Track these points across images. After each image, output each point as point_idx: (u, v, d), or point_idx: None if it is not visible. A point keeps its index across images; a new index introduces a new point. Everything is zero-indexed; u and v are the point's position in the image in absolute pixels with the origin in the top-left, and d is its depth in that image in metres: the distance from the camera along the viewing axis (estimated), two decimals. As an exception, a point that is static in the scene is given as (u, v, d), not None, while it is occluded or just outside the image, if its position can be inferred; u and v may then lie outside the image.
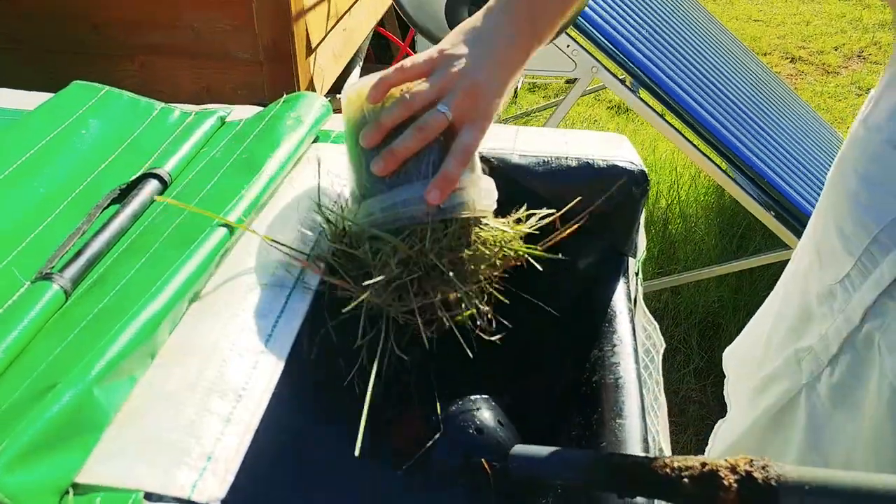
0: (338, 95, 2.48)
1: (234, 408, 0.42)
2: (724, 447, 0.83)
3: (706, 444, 1.79)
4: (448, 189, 0.53)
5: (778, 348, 0.72)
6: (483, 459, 0.56)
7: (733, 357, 0.89)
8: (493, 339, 0.56)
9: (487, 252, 0.57)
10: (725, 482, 0.36)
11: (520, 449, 0.54)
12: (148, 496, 0.36)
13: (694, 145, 1.66)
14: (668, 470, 0.39)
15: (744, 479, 0.36)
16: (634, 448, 0.52)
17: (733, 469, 0.35)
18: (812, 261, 0.68)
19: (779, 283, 0.80)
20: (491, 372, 0.69)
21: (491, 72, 0.55)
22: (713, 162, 1.67)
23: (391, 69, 0.55)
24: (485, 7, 0.57)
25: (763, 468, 0.34)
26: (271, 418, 0.45)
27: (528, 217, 0.60)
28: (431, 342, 0.55)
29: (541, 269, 0.59)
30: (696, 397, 1.92)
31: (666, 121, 1.65)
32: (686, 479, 0.37)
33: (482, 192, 0.57)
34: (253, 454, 0.41)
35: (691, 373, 1.94)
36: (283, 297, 0.50)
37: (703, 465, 0.37)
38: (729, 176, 1.67)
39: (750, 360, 0.80)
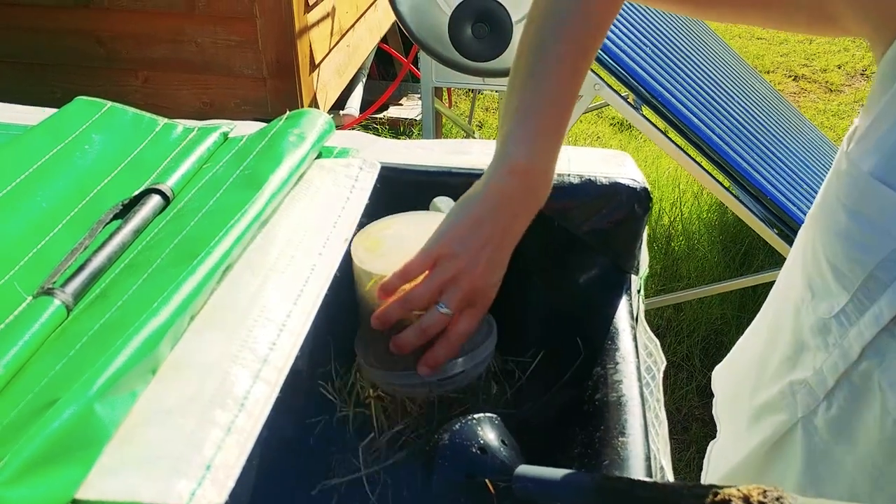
0: (341, 112, 2.49)
1: (236, 416, 0.42)
2: (719, 476, 0.82)
3: (709, 463, 1.77)
4: (434, 366, 0.58)
5: (772, 377, 0.71)
6: (486, 479, 0.55)
7: (723, 376, 0.88)
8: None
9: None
10: None
11: (524, 469, 0.54)
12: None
13: (696, 162, 1.67)
14: (676, 496, 0.39)
15: (757, 510, 0.35)
16: (637, 467, 0.51)
17: (746, 499, 0.35)
18: (803, 292, 0.67)
19: (767, 303, 0.79)
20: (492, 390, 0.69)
21: (491, 261, 0.57)
22: (716, 179, 1.67)
23: (395, 275, 0.57)
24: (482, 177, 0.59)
25: (777, 499, 0.34)
26: (273, 427, 0.45)
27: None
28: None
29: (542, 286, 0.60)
30: (698, 415, 1.91)
31: (668, 138, 1.65)
32: None
33: (479, 360, 0.62)
34: (255, 462, 0.41)
35: (694, 390, 1.93)
36: (287, 310, 0.50)
37: (715, 493, 0.37)
38: (732, 193, 1.67)
39: (742, 383, 0.80)
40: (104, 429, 0.39)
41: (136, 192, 0.61)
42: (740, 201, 1.65)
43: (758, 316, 0.81)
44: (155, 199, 0.61)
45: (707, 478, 0.87)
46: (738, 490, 0.35)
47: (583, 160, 0.71)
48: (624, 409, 0.55)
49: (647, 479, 0.48)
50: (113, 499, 0.36)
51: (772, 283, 0.79)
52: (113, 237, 0.56)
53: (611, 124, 3.29)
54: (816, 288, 0.64)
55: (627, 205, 0.66)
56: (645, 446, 0.52)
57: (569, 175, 0.67)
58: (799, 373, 0.66)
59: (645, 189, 0.67)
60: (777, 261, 1.87)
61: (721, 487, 0.37)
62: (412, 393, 0.62)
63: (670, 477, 0.57)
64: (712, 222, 2.53)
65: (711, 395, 2.00)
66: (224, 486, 0.38)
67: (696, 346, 2.05)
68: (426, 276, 0.57)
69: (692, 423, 1.88)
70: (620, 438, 0.53)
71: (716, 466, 0.85)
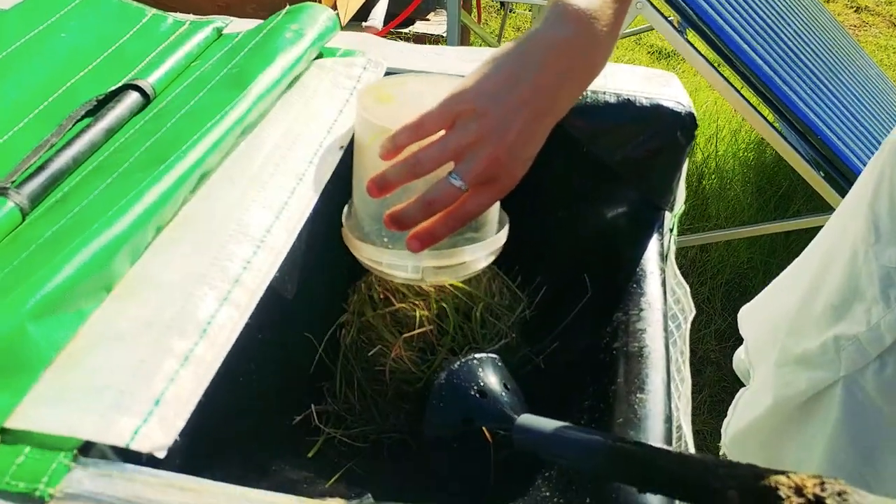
0: (363, 23, 2.36)
1: (196, 345, 0.36)
2: (742, 425, 0.77)
3: (719, 407, 1.73)
4: (428, 243, 0.46)
5: (814, 326, 0.64)
6: (484, 426, 0.50)
7: (754, 318, 0.81)
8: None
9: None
10: None
11: (527, 419, 0.48)
12: (83, 444, 0.31)
13: (741, 94, 1.54)
14: (709, 474, 0.32)
15: (813, 507, 0.28)
16: (655, 428, 0.46)
17: (798, 490, 0.27)
18: (866, 234, 0.59)
19: (814, 244, 0.71)
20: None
21: (526, 129, 0.45)
22: (760, 114, 1.55)
23: (405, 127, 0.46)
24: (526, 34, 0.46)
25: (840, 494, 0.26)
26: (238, 359, 0.39)
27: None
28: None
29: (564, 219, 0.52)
30: (714, 358, 1.86)
31: (713, 66, 1.52)
32: (733, 491, 0.30)
33: (486, 252, 0.51)
34: (212, 397, 0.36)
35: (712, 334, 1.87)
36: (266, 225, 0.44)
37: (757, 476, 0.30)
38: (776, 130, 1.55)
39: (777, 328, 0.73)
40: (41, 352, 0.34)
41: (113, 88, 0.54)
42: (785, 139, 1.53)
43: (798, 259, 0.74)
44: (133, 97, 0.54)
45: (729, 426, 0.82)
46: (789, 478, 0.28)
47: (622, 77, 0.62)
48: (645, 362, 0.49)
49: (672, 449, 0.41)
50: (45, 430, 0.31)
51: (808, 230, 0.72)
52: (81, 136, 0.49)
53: (649, 52, 3.11)
54: (884, 230, 0.56)
55: (669, 131, 0.58)
56: (666, 405, 0.46)
57: (604, 93, 0.59)
58: (847, 326, 0.59)
59: (691, 114, 0.59)
60: (818, 206, 1.76)
61: (765, 471, 0.30)
62: (400, 277, 0.52)
63: (689, 441, 0.52)
64: (749, 161, 2.41)
65: (729, 340, 1.94)
66: (173, 424, 0.32)
67: (718, 289, 1.97)
68: (442, 135, 0.45)
69: (707, 366, 1.83)
70: (638, 395, 0.47)
71: (740, 415, 0.80)
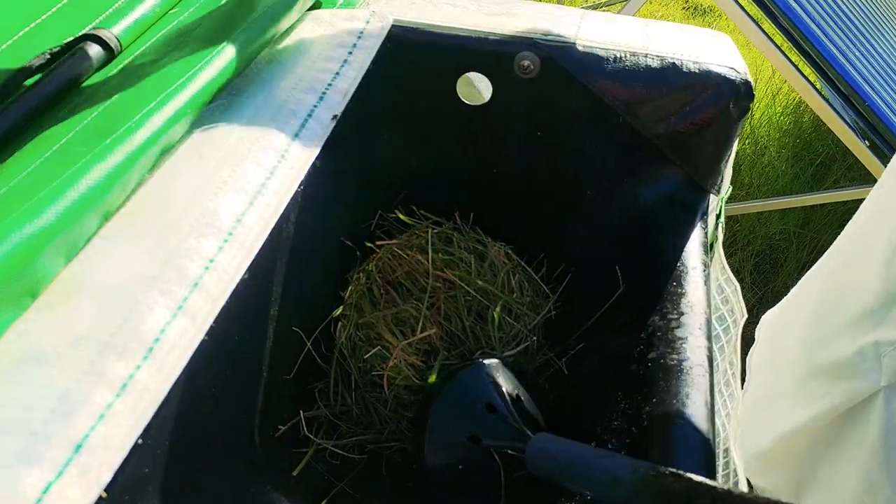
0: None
1: (137, 369, 0.29)
2: (765, 443, 0.69)
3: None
4: None
5: (848, 332, 0.56)
6: (492, 447, 0.43)
7: (774, 324, 0.73)
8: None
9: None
10: None
11: (543, 439, 0.41)
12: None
13: (783, 53, 1.42)
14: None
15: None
16: (694, 459, 0.38)
17: None
18: None
19: (844, 236, 0.63)
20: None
21: None
22: (802, 74, 1.43)
23: None
24: None
25: None
26: (207, 364, 0.32)
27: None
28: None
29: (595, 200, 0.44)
30: (743, 335, 1.78)
31: (754, 21, 1.40)
32: None
33: None
34: (161, 437, 0.29)
35: (740, 309, 1.79)
36: (237, 213, 0.36)
37: None
38: (819, 92, 1.43)
39: (800, 333, 0.65)
40: (-61, 378, 0.27)
41: (70, 39, 0.47)
42: (829, 103, 1.41)
43: (827, 253, 0.65)
44: (93, 50, 0.46)
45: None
46: None
47: (666, 37, 0.53)
48: (685, 378, 0.41)
49: (716, 484, 0.34)
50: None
51: (848, 203, 0.63)
52: (26, 97, 0.41)
53: (683, 8, 2.95)
54: None
55: (721, 102, 0.49)
56: (709, 432, 0.39)
57: (645, 55, 0.50)
58: (888, 331, 0.52)
59: (747, 83, 0.49)
60: (857, 176, 1.65)
61: None
62: None
63: (739, 469, 0.44)
64: (786, 127, 2.28)
65: (757, 316, 1.86)
66: (96, 479, 0.25)
67: (748, 260, 1.88)
68: None
69: (734, 343, 1.75)
70: (677, 419, 0.39)
71: (749, 422, 0.72)
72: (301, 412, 0.49)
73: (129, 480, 0.28)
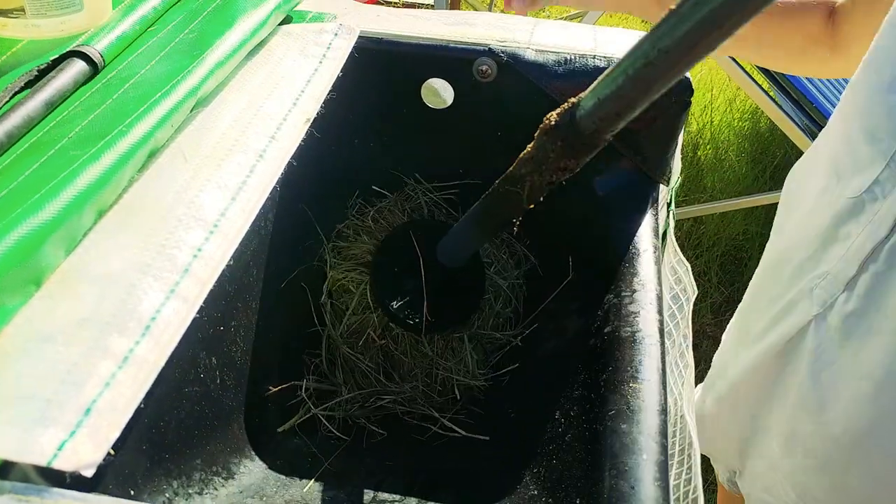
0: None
1: (137, 344, 0.32)
2: (724, 383, 0.74)
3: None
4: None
5: (790, 280, 0.61)
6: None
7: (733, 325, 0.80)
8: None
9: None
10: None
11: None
12: (3, 464, 0.28)
13: (736, 62, 1.50)
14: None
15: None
16: (650, 419, 0.42)
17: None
18: (827, 180, 0.58)
19: (778, 217, 0.70)
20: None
21: None
22: (755, 81, 1.50)
23: None
24: None
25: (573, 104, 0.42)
26: (194, 350, 0.36)
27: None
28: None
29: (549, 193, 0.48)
30: (710, 332, 1.83)
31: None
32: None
33: None
34: (155, 401, 0.32)
35: (708, 307, 1.85)
36: (221, 208, 0.40)
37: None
38: (771, 98, 1.51)
39: (753, 313, 0.70)
40: (-44, 356, 0.30)
41: (56, 56, 0.50)
42: (781, 108, 1.49)
43: (762, 263, 0.72)
44: (78, 66, 0.49)
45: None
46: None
47: (611, 41, 0.58)
48: (638, 348, 0.45)
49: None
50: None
51: None
52: (17, 109, 0.44)
53: (644, 21, 3.04)
54: (844, 168, 0.56)
55: (664, 99, 0.53)
56: (661, 395, 0.43)
57: (594, 56, 0.54)
58: (822, 267, 0.57)
59: (686, 80, 0.54)
60: (812, 176, 1.72)
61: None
62: None
63: (693, 430, 0.48)
64: (744, 132, 2.36)
65: (725, 314, 1.91)
66: (105, 437, 0.28)
67: (714, 261, 1.95)
68: None
69: (703, 340, 1.80)
70: (631, 384, 0.43)
71: (719, 373, 0.78)
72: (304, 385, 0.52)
73: (140, 440, 0.30)
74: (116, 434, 0.29)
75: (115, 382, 0.30)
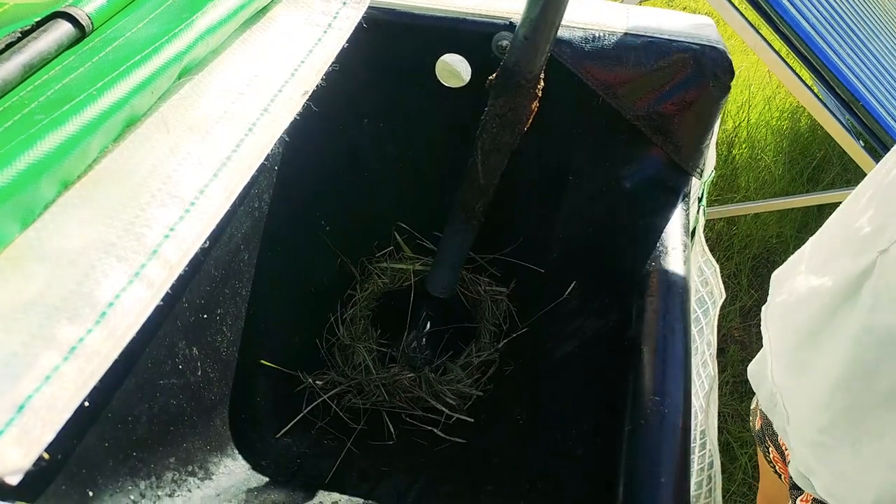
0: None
1: (89, 333, 0.28)
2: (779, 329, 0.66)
3: (742, 388, 1.64)
4: None
5: (850, 250, 0.54)
6: None
7: (783, 270, 0.71)
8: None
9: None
10: None
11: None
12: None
13: (781, 58, 1.42)
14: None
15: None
16: (671, 438, 0.37)
17: None
18: None
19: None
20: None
21: None
22: (799, 77, 1.43)
23: None
24: None
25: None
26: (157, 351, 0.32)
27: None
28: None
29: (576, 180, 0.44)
30: (738, 336, 1.76)
31: (751, 25, 1.40)
32: None
33: None
34: (122, 394, 0.28)
35: (737, 311, 1.78)
36: (200, 184, 0.36)
37: None
38: (816, 95, 1.43)
39: (806, 266, 0.62)
40: None
41: (39, 17, 0.46)
42: (825, 105, 1.41)
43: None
44: (63, 28, 0.45)
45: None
46: None
47: (647, 18, 0.52)
48: (663, 357, 0.40)
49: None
50: None
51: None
52: (-6, 72, 0.41)
53: (683, 9, 2.95)
54: None
55: (702, 80, 0.48)
56: (685, 413, 0.38)
57: (625, 33, 0.49)
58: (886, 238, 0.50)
59: (727, 59, 0.49)
60: (853, 178, 1.64)
61: None
62: None
63: (715, 449, 0.43)
64: (782, 130, 2.27)
65: (754, 318, 1.83)
66: (38, 438, 0.25)
67: (745, 263, 1.87)
68: None
69: (731, 344, 1.73)
70: (653, 397, 0.38)
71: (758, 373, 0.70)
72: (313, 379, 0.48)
73: (103, 437, 0.27)
74: (51, 436, 0.25)
75: (58, 376, 0.27)
